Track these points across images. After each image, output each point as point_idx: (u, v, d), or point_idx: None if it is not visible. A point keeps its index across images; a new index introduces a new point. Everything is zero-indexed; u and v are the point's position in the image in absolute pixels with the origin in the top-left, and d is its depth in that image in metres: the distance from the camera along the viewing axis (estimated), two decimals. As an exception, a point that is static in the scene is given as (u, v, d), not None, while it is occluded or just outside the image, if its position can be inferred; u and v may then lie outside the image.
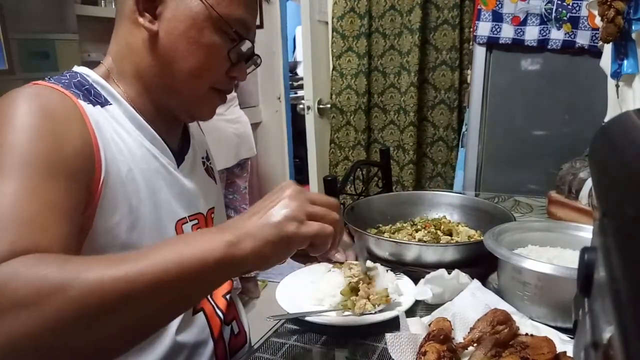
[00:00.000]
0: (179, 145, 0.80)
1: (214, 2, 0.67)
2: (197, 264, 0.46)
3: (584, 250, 0.33)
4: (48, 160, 0.55)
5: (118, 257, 0.46)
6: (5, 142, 0.55)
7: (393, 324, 0.74)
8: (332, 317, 0.81)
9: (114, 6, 2.15)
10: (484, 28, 1.74)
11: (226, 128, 2.42)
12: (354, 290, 0.82)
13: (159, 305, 0.46)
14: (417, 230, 1.08)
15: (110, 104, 0.69)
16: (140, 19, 0.68)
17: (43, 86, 0.64)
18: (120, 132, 0.68)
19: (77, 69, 0.71)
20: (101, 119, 0.66)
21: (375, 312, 0.80)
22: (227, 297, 0.84)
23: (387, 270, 0.90)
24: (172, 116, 0.77)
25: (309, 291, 0.87)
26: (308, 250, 0.56)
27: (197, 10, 0.67)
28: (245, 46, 0.72)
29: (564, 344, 0.67)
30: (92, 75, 0.70)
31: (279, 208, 0.52)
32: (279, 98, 3.14)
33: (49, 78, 0.67)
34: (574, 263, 0.39)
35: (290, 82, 3.39)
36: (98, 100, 0.67)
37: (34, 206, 0.51)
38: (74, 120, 0.62)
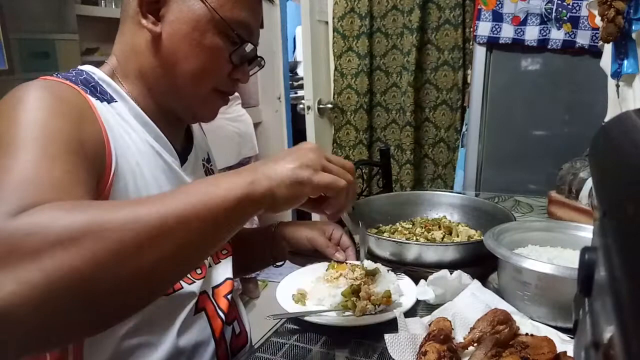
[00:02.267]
0: (181, 146, 0.81)
1: (217, 5, 0.68)
2: (220, 201, 0.48)
3: (584, 250, 0.33)
4: (65, 137, 0.56)
5: (147, 198, 0.49)
6: (22, 120, 0.55)
7: (394, 324, 0.74)
8: (332, 317, 0.81)
9: (114, 6, 2.17)
10: (484, 28, 1.74)
11: (227, 127, 2.43)
12: (355, 292, 0.82)
13: (189, 240, 0.47)
14: (413, 233, 1.08)
15: (116, 101, 0.69)
16: (144, 21, 0.68)
17: (52, 80, 0.65)
18: (126, 129, 0.69)
19: (83, 67, 0.72)
20: (108, 114, 0.66)
21: (376, 313, 0.80)
22: (229, 297, 0.84)
23: (388, 271, 0.90)
24: (175, 117, 0.77)
25: (309, 291, 0.88)
26: (321, 210, 0.61)
27: (200, 13, 0.68)
28: (248, 49, 0.73)
29: (564, 343, 0.67)
30: (97, 73, 0.71)
31: (296, 156, 0.56)
32: (279, 98, 3.14)
33: (57, 74, 0.68)
34: (574, 263, 0.39)
35: (290, 82, 3.39)
36: (104, 97, 0.68)
37: (56, 172, 0.51)
38: (85, 110, 0.63)
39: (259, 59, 0.77)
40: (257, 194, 0.51)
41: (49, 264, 0.40)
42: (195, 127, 0.89)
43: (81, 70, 0.70)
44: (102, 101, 0.67)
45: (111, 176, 0.63)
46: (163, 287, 0.51)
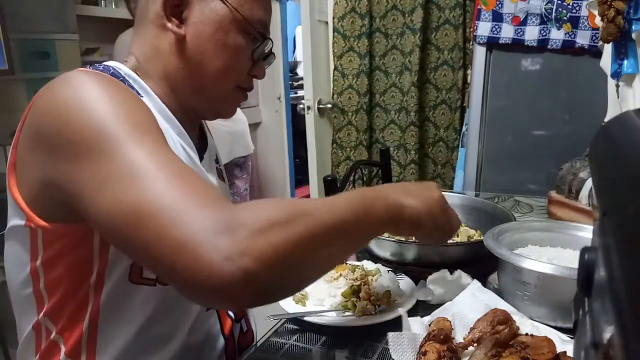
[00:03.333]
0: (197, 144, 0.82)
1: (238, 5, 0.69)
2: (367, 217, 0.57)
3: (584, 250, 0.33)
4: (149, 123, 0.57)
5: (321, 199, 0.57)
6: (103, 115, 0.54)
7: (393, 325, 0.74)
8: (332, 318, 0.81)
9: (114, 6, 2.17)
10: (484, 28, 1.74)
11: (218, 126, 2.41)
12: (355, 292, 0.82)
13: (357, 238, 0.59)
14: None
15: (142, 96, 0.70)
16: (168, 24, 0.69)
17: (91, 71, 0.64)
18: (159, 121, 0.69)
19: (108, 62, 0.72)
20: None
21: (376, 313, 0.80)
22: None
23: (388, 271, 0.90)
24: (194, 115, 0.79)
25: (309, 291, 0.88)
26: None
27: (223, 14, 0.69)
28: (267, 46, 0.75)
29: (564, 344, 0.67)
30: (123, 69, 0.71)
31: (431, 205, 0.66)
32: (279, 98, 3.14)
33: (88, 66, 0.68)
34: (574, 263, 0.39)
35: (290, 82, 3.39)
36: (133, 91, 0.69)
37: (178, 165, 0.53)
38: (136, 97, 0.64)
39: (272, 54, 0.79)
40: (406, 219, 0.62)
41: (274, 239, 0.46)
42: (205, 126, 0.90)
43: (107, 65, 0.71)
44: None
45: None
46: (331, 267, 0.64)
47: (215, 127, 2.40)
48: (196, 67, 0.71)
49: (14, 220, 0.65)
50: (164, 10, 0.69)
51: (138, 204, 0.48)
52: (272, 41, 0.76)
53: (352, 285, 0.83)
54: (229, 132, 2.46)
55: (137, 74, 0.72)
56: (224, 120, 2.50)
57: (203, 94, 0.74)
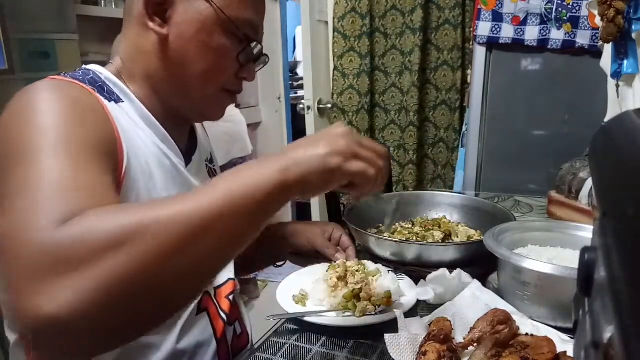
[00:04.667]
0: (185, 146, 0.81)
1: (223, 5, 0.67)
2: (256, 192, 0.48)
3: (584, 250, 0.33)
4: (84, 141, 0.55)
5: (183, 194, 0.48)
6: (37, 126, 0.54)
7: (394, 325, 0.74)
8: (332, 318, 0.81)
9: (114, 6, 2.16)
10: (484, 28, 1.74)
11: (215, 127, 2.41)
12: (356, 296, 0.82)
13: (229, 232, 0.48)
14: (413, 233, 1.08)
15: (123, 101, 0.69)
16: (150, 23, 0.68)
17: (60, 80, 0.64)
18: (135, 129, 0.69)
19: (89, 66, 0.71)
20: (118, 114, 0.66)
21: (376, 313, 0.80)
22: (230, 297, 0.84)
23: (388, 271, 0.90)
24: (180, 117, 0.77)
25: (309, 291, 0.87)
26: (347, 190, 0.59)
27: (207, 14, 0.67)
28: (255, 48, 0.73)
29: (564, 343, 0.67)
30: (104, 73, 0.70)
31: (327, 142, 0.54)
32: (279, 98, 3.14)
33: (64, 74, 0.67)
34: (574, 263, 0.39)
35: (290, 82, 3.38)
36: (112, 97, 0.68)
37: (84, 176, 0.51)
38: (98, 110, 0.63)
39: (264, 56, 0.77)
40: (290, 183, 0.50)
41: (100, 270, 0.40)
42: (198, 126, 0.89)
43: (87, 69, 0.70)
44: (109, 101, 0.67)
45: (123, 175, 0.63)
46: (208, 279, 0.52)
47: (213, 127, 2.40)
48: (179, 68, 0.70)
49: None
50: (146, 9, 0.67)
51: (4, 226, 0.46)
52: (260, 44, 0.74)
53: (354, 289, 0.82)
54: (226, 132, 2.46)
55: (120, 76, 0.71)
56: (222, 121, 2.50)
57: (186, 96, 0.73)
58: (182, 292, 0.48)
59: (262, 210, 0.50)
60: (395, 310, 0.79)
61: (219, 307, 0.81)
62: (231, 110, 2.51)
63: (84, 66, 0.71)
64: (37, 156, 0.51)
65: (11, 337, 0.70)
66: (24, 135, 0.54)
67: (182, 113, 0.76)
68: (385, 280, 0.85)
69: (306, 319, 0.79)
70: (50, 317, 0.39)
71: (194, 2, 0.67)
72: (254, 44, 0.72)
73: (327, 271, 0.89)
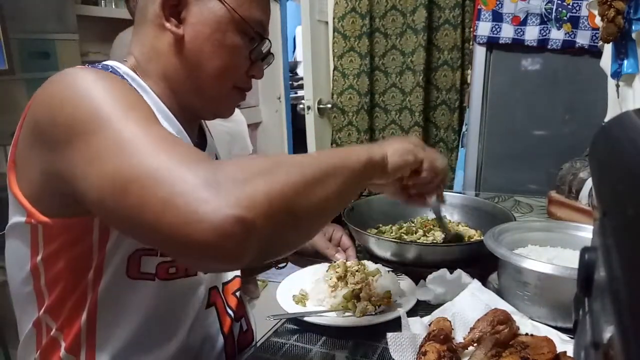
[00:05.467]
0: (196, 143, 0.82)
1: (236, 5, 0.70)
2: (356, 161, 0.64)
3: (584, 250, 0.33)
4: (144, 109, 0.58)
5: (305, 154, 0.62)
6: (98, 102, 0.55)
7: (393, 325, 0.74)
8: (332, 318, 0.81)
9: (114, 6, 2.16)
10: (484, 28, 1.74)
11: (217, 126, 2.41)
12: (356, 296, 0.82)
13: (341, 184, 0.59)
14: (413, 232, 1.08)
15: (141, 95, 0.70)
16: (167, 24, 0.69)
17: (86, 67, 0.65)
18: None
19: (106, 62, 0.73)
20: None
21: (376, 313, 0.80)
22: (237, 294, 0.85)
23: (388, 272, 0.90)
24: (193, 114, 0.79)
25: (309, 291, 0.87)
26: (405, 199, 0.85)
27: (221, 14, 0.69)
28: (265, 46, 0.76)
29: (564, 344, 0.67)
30: (122, 68, 0.72)
31: (402, 139, 0.77)
32: (279, 98, 3.14)
33: (87, 64, 0.69)
34: (574, 263, 0.39)
35: (290, 82, 3.38)
36: None
37: (163, 133, 0.54)
38: (134, 91, 0.64)
39: (270, 55, 0.80)
40: (377, 159, 0.68)
41: (261, 186, 0.48)
42: (205, 126, 0.90)
43: (106, 64, 0.71)
44: None
45: None
46: (329, 218, 0.62)
47: (215, 126, 2.40)
48: (194, 67, 0.72)
49: (15, 218, 0.65)
50: (162, 10, 0.69)
51: (123, 171, 0.49)
52: (270, 41, 0.77)
53: (354, 289, 0.83)
54: (228, 132, 2.46)
55: (136, 73, 0.72)
56: (224, 121, 2.50)
57: (201, 93, 0.75)
58: (319, 212, 0.57)
59: (358, 178, 0.64)
60: (399, 309, 0.79)
61: (226, 303, 0.82)
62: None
63: (102, 62, 0.73)
64: (119, 120, 0.53)
65: (24, 327, 0.71)
66: (86, 107, 0.54)
67: (194, 110, 0.78)
68: (385, 280, 0.85)
69: (306, 319, 0.79)
70: (239, 216, 0.44)
71: (208, 3, 0.69)
72: (264, 42, 0.75)
73: (327, 271, 0.90)
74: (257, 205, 0.46)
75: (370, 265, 0.91)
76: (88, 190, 0.52)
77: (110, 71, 0.68)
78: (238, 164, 0.50)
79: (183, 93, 0.74)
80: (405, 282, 0.90)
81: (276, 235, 0.49)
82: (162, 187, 0.46)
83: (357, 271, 0.87)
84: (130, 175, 0.48)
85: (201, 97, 0.75)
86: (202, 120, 0.88)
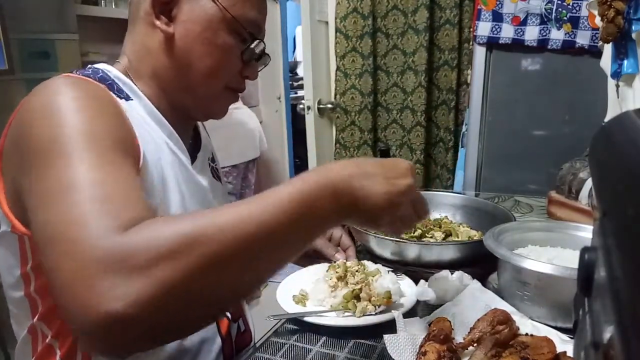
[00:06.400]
0: (190, 145, 0.81)
1: (228, 5, 0.69)
2: (309, 215, 0.49)
3: (584, 250, 0.33)
4: (108, 140, 0.56)
5: (236, 203, 0.49)
6: (64, 125, 0.54)
7: (394, 325, 0.74)
8: (332, 318, 0.81)
9: (114, 6, 2.16)
10: (484, 28, 1.74)
11: (249, 122, 2.49)
12: (356, 297, 0.82)
13: (281, 243, 0.49)
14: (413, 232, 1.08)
15: (132, 99, 0.70)
16: (157, 22, 0.69)
17: (75, 77, 0.64)
18: (145, 126, 0.69)
19: (97, 65, 0.72)
20: (130, 111, 0.67)
21: (376, 313, 0.80)
22: None
23: (388, 272, 0.90)
24: (186, 115, 0.78)
25: (309, 291, 0.87)
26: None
27: (212, 13, 0.69)
28: (258, 47, 0.74)
29: (564, 344, 0.67)
30: (112, 71, 0.71)
31: (394, 200, 0.54)
32: (279, 98, 3.14)
33: (75, 71, 0.68)
34: (574, 263, 0.39)
35: (290, 82, 3.38)
36: (121, 95, 0.68)
37: (120, 178, 0.52)
38: (114, 106, 0.63)
39: (266, 55, 0.78)
40: (342, 214, 0.52)
41: (160, 275, 0.42)
42: (201, 126, 0.90)
43: (96, 68, 0.70)
44: (120, 98, 0.67)
45: (140, 170, 0.63)
46: (261, 284, 0.53)
47: (247, 124, 2.50)
48: (185, 66, 0.71)
49: (3, 227, 0.64)
50: (153, 8, 0.69)
51: (49, 227, 0.47)
52: (264, 42, 0.75)
53: (354, 289, 0.82)
54: (255, 128, 2.54)
55: (128, 75, 0.72)
56: (249, 117, 2.56)
57: (192, 93, 0.74)
58: (235, 294, 0.50)
59: (315, 226, 0.52)
60: (393, 311, 0.79)
61: None
62: (245, 109, 2.56)
63: (93, 65, 0.72)
64: (70, 157, 0.52)
65: (20, 332, 0.70)
66: (54, 135, 0.54)
67: (187, 111, 0.77)
68: (385, 280, 0.85)
69: (306, 319, 0.79)
70: (116, 314, 0.41)
71: (199, 1, 0.68)
72: (257, 43, 0.73)
73: (327, 271, 0.90)
74: (144, 301, 0.42)
75: (370, 265, 0.91)
76: (33, 230, 0.51)
77: (100, 76, 0.68)
78: (152, 239, 0.44)
79: (174, 92, 0.73)
80: (405, 282, 0.89)
81: (173, 323, 0.45)
82: (71, 262, 0.44)
83: (357, 271, 0.87)
84: (53, 234, 0.46)
85: (192, 96, 0.74)
86: (198, 122, 0.87)
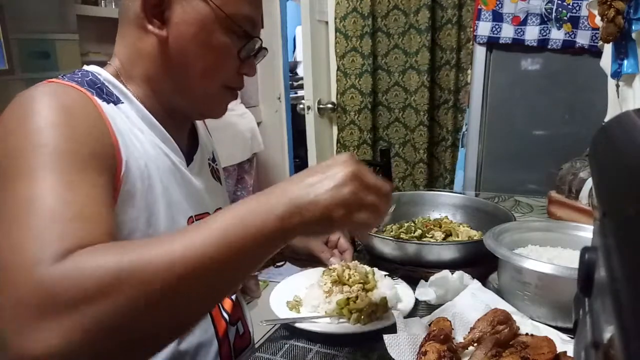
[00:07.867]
0: (187, 146, 0.81)
1: (221, 3, 0.67)
2: (251, 242, 0.48)
3: (584, 250, 0.33)
4: (77, 156, 0.55)
5: (170, 235, 0.48)
6: (31, 142, 0.54)
7: (389, 332, 0.73)
8: (325, 324, 0.79)
9: (114, 6, 2.17)
10: (484, 28, 1.74)
11: (239, 123, 2.48)
12: (351, 302, 0.81)
13: (223, 273, 0.48)
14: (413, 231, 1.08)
15: (122, 102, 0.68)
16: (149, 26, 0.67)
17: (58, 84, 0.63)
18: (134, 130, 0.68)
19: (88, 67, 0.71)
20: (116, 116, 0.65)
21: (372, 320, 0.79)
22: (233, 297, 0.83)
23: (384, 276, 0.89)
24: (182, 116, 0.77)
25: (303, 297, 0.86)
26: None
27: (205, 13, 0.67)
28: (255, 44, 0.73)
29: (564, 343, 0.67)
30: (103, 74, 0.69)
31: (333, 189, 0.50)
32: (279, 98, 3.14)
33: (63, 76, 0.67)
34: (574, 263, 0.39)
35: (290, 82, 3.38)
36: (111, 98, 0.67)
37: (77, 199, 0.51)
38: (93, 117, 0.62)
39: (263, 49, 0.76)
40: (288, 231, 0.49)
41: (88, 315, 0.41)
42: (200, 125, 0.88)
43: (87, 71, 0.69)
44: (108, 103, 0.66)
45: (121, 179, 0.62)
46: (198, 320, 0.52)
47: (237, 124, 2.49)
48: (180, 68, 0.69)
49: None
50: (144, 11, 0.67)
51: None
52: (260, 38, 0.73)
53: (349, 297, 0.81)
54: (247, 129, 2.54)
55: (119, 77, 0.71)
56: (242, 117, 2.56)
57: (188, 95, 0.73)
58: (170, 331, 0.48)
59: (257, 254, 0.50)
60: (393, 311, 0.78)
61: (221, 307, 0.80)
62: (243, 107, 2.59)
63: (83, 67, 0.71)
64: (32, 175, 0.51)
65: None
66: (19, 150, 0.54)
67: (183, 112, 0.76)
68: (381, 286, 0.84)
69: (301, 326, 0.78)
70: (39, 357, 0.40)
71: (192, 2, 0.67)
72: (253, 40, 0.72)
73: (321, 276, 0.88)
74: (74, 342, 0.41)
75: (367, 269, 0.89)
76: None
77: (89, 79, 0.67)
78: (80, 274, 0.43)
79: (168, 95, 0.72)
80: (401, 287, 0.88)
81: (117, 357, 0.44)
82: (6, 295, 0.43)
83: (349, 279, 0.84)
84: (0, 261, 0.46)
85: (188, 98, 0.73)
86: (195, 122, 0.86)
